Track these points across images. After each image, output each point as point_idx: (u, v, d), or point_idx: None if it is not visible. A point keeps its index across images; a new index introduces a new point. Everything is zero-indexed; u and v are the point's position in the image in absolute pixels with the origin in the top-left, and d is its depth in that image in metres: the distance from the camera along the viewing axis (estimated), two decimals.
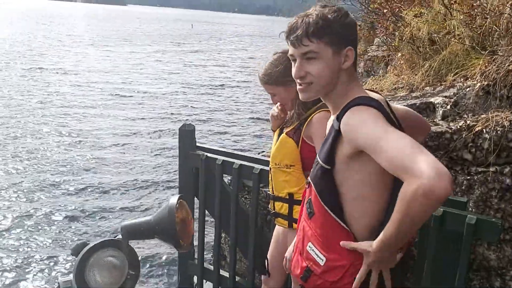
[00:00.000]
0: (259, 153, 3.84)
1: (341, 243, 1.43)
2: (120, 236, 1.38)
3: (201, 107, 14.76)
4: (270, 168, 2.40)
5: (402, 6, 4.02)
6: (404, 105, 3.22)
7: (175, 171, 8.49)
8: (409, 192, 1.14)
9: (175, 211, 1.33)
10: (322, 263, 1.48)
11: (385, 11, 4.19)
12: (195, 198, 3.52)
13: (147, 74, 20.76)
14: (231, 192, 3.18)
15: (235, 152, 3.33)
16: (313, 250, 1.51)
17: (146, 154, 9.56)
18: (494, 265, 2.65)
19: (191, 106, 14.85)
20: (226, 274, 3.30)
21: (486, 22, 3.12)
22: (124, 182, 7.82)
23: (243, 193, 3.54)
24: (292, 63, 1.53)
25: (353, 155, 1.37)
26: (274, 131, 2.47)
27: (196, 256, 3.46)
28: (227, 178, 3.43)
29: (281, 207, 2.34)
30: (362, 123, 1.32)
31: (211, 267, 3.40)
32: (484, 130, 2.63)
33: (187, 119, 12.79)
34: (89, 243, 1.40)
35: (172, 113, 13.48)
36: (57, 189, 7.31)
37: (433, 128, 2.86)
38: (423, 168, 1.11)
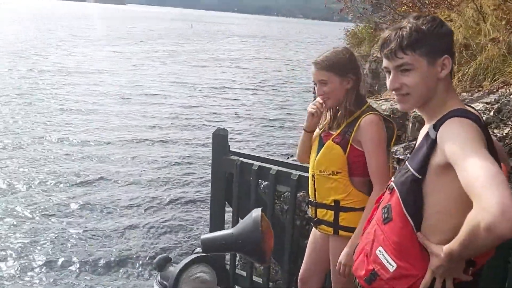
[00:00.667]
0: (287, 158, 3.79)
1: (418, 234, 1.41)
2: (199, 250, 1.35)
3: (211, 111, 14.61)
4: (314, 175, 2.33)
5: (432, 9, 3.98)
6: None
7: (200, 178, 8.39)
8: (474, 221, 1.13)
9: (260, 225, 1.29)
10: (391, 270, 1.46)
11: (414, 15, 4.16)
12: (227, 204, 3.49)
13: (154, 75, 20.59)
14: (266, 198, 3.14)
15: (270, 157, 3.29)
16: (383, 254, 1.49)
17: (171, 163, 9.25)
18: None
19: (201, 110, 14.69)
20: (260, 280, 3.26)
21: None
22: (155, 196, 7.52)
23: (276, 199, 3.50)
24: (386, 75, 1.50)
25: (445, 167, 1.33)
26: (307, 131, 2.40)
27: (228, 262, 3.42)
28: (260, 185, 3.40)
29: (325, 214, 2.29)
30: (456, 135, 1.29)
31: (243, 273, 3.36)
32: None
33: (196, 123, 12.70)
34: (171, 258, 1.36)
35: (179, 117, 13.27)
36: (89, 208, 6.90)
37: None
38: (491, 202, 1.08)
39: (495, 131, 2.80)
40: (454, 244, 1.27)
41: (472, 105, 3.13)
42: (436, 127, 1.38)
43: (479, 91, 3.27)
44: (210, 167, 3.46)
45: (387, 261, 1.47)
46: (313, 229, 2.50)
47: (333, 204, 2.25)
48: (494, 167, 1.17)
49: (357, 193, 2.21)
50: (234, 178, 3.22)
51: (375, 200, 1.83)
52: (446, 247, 1.32)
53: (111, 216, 6.62)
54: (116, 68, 21.44)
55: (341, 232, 2.24)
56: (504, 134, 2.73)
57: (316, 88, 2.31)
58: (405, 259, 1.44)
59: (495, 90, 3.13)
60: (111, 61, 23.78)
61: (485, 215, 1.08)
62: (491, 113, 2.91)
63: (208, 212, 3.60)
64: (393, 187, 1.50)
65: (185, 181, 8.26)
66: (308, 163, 2.47)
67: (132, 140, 10.46)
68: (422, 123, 3.30)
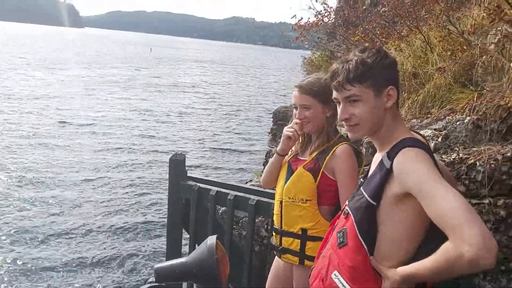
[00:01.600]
0: (245, 183, 3.80)
1: (371, 258, 1.45)
2: (152, 279, 1.32)
3: (168, 137, 14.43)
4: (281, 201, 2.29)
5: (384, 39, 4.16)
6: None
7: (156, 204, 8.18)
8: (455, 253, 1.18)
9: (215, 253, 1.28)
10: None
11: (366, 44, 4.33)
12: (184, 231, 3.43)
13: (110, 100, 20.09)
14: (224, 224, 3.12)
15: (228, 182, 3.28)
16: (338, 279, 1.51)
17: (126, 189, 8.97)
18: None
19: (158, 135, 14.48)
20: None
21: (469, 58, 3.27)
22: (108, 223, 7.21)
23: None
24: (336, 105, 1.55)
25: (401, 196, 1.38)
26: (280, 154, 2.36)
27: None
28: (218, 210, 3.37)
29: (292, 243, 2.25)
30: (415, 167, 1.34)
31: None
32: (477, 163, 2.72)
33: (152, 149, 12.48)
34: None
35: (134, 143, 12.99)
36: (36, 236, 6.52)
37: None
38: (475, 236, 1.14)
39: (443, 156, 2.93)
40: (416, 270, 1.32)
41: (421, 132, 3.27)
42: (390, 156, 1.42)
43: (427, 117, 3.41)
44: (167, 192, 3.41)
45: (343, 285, 1.49)
46: (276, 257, 2.46)
47: (300, 232, 2.22)
48: (464, 199, 1.24)
49: (324, 222, 2.17)
50: (191, 204, 3.19)
51: None
52: (402, 271, 1.36)
53: (60, 244, 6.34)
54: (70, 93, 20.72)
55: (306, 262, 2.20)
56: (452, 160, 2.85)
57: (295, 112, 2.29)
58: (359, 283, 1.47)
59: (442, 117, 3.27)
60: (64, 85, 22.94)
61: (470, 249, 1.13)
62: (439, 139, 3.04)
63: (165, 239, 3.52)
64: (348, 212, 1.53)
65: (140, 207, 8.05)
66: (274, 189, 2.44)
67: (87, 166, 10.14)
68: (375, 148, 3.40)
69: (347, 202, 1.62)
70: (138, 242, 6.62)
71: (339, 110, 1.55)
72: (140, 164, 10.79)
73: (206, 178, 3.34)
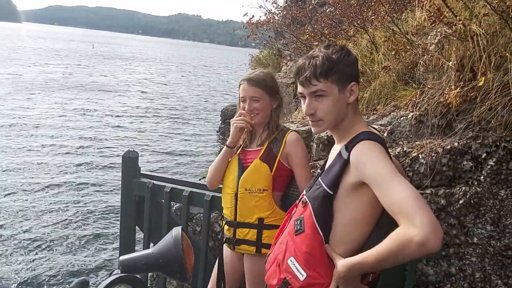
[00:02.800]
0: (199, 179, 3.81)
1: (326, 246, 1.54)
2: (118, 271, 1.32)
3: (118, 136, 14.03)
4: (236, 194, 2.35)
5: (332, 38, 4.30)
6: None
7: (109, 202, 7.97)
8: (405, 237, 1.26)
9: (181, 243, 1.31)
10: (302, 278, 1.55)
11: (315, 43, 4.47)
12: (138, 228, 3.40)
13: (43, 100, 18.98)
14: (179, 221, 3.12)
15: (183, 179, 3.28)
16: (294, 264, 1.58)
17: (76, 190, 8.66)
18: (432, 279, 2.89)
19: (107, 134, 14.05)
20: None
21: (411, 57, 3.46)
22: (63, 220, 7.01)
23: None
24: (301, 100, 1.61)
25: (357, 185, 1.48)
26: (230, 147, 2.41)
27: None
28: (172, 207, 3.36)
29: (248, 233, 2.33)
30: (372, 159, 1.43)
31: None
32: (420, 155, 2.89)
33: (103, 148, 12.12)
34: (88, 281, 1.32)
35: (81, 145, 12.54)
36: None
37: None
38: (424, 221, 1.24)
39: (389, 150, 3.09)
40: (364, 258, 1.40)
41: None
42: (348, 148, 1.50)
43: (374, 114, 3.58)
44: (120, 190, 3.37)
45: (298, 271, 1.56)
46: (225, 250, 2.52)
47: (257, 222, 2.30)
48: (415, 189, 1.34)
49: (279, 210, 2.28)
50: (145, 201, 3.16)
51: None
52: (350, 260, 1.44)
53: (15, 244, 6.08)
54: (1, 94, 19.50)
55: (263, 250, 2.28)
56: (397, 153, 3.01)
57: (244, 104, 2.36)
58: (313, 269, 1.55)
59: (387, 113, 3.44)
60: None
61: (420, 233, 1.22)
62: (385, 134, 3.20)
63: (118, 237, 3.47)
64: (306, 201, 1.60)
65: (93, 207, 7.85)
66: (218, 186, 2.51)
67: (30, 169, 9.69)
68: (326, 144, 3.52)
69: (304, 192, 1.69)
70: (92, 242, 6.47)
71: (304, 105, 1.62)
72: (90, 165, 10.47)
73: (160, 175, 3.31)
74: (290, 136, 2.28)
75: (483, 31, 2.63)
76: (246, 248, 2.36)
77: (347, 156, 1.49)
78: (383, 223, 1.49)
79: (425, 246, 1.23)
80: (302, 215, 1.60)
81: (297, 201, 1.74)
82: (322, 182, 1.56)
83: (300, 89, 1.62)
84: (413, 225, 1.24)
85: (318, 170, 1.76)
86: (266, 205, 2.29)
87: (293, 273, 1.57)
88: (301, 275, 1.55)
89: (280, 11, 6.40)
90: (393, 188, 1.33)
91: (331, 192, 1.51)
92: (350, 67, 1.57)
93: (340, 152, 1.54)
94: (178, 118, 18.51)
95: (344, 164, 1.49)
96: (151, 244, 3.26)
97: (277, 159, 2.27)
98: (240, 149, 2.44)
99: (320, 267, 1.54)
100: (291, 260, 1.59)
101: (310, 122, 1.64)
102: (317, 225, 1.53)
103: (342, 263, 1.46)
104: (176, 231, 1.34)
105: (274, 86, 2.36)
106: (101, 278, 5.43)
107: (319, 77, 1.53)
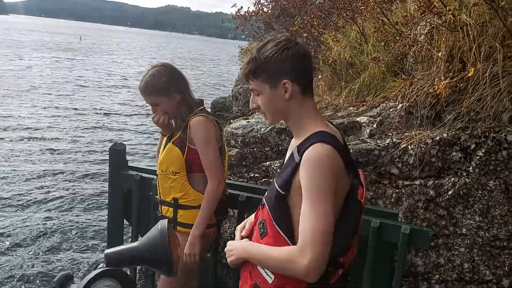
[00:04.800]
0: None
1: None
2: (103, 265, 1.29)
3: (104, 129, 13.90)
4: (157, 174, 2.55)
5: (321, 30, 4.28)
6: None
7: (97, 195, 7.91)
8: (293, 260, 1.38)
9: (167, 236, 1.28)
10: (270, 281, 1.54)
11: (304, 35, 4.44)
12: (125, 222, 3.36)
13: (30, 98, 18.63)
14: None
15: None
16: (263, 269, 1.57)
17: (63, 183, 8.40)
18: (421, 270, 2.90)
19: (94, 129, 13.91)
20: None
21: (401, 48, 3.44)
22: (49, 214, 6.85)
23: None
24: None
25: None
26: (164, 134, 2.57)
27: None
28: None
29: (167, 211, 2.50)
30: (311, 172, 1.43)
31: None
32: (409, 147, 2.89)
33: (89, 141, 12.01)
34: (72, 275, 1.29)
35: (71, 139, 12.39)
36: None
37: (362, 146, 3.08)
38: (313, 258, 1.35)
39: (378, 141, 3.08)
40: (253, 249, 1.54)
41: (357, 119, 3.40)
42: (299, 150, 1.49)
43: (363, 105, 3.57)
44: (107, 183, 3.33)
45: (267, 274, 1.55)
46: None
47: (172, 201, 2.47)
48: (326, 224, 1.38)
49: (194, 192, 2.42)
50: (133, 194, 3.12)
51: (211, 191, 2.33)
52: (247, 245, 1.61)
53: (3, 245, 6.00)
54: None
55: (179, 228, 2.44)
56: (386, 144, 3.01)
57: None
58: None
59: (377, 105, 3.44)
60: None
61: (304, 265, 1.35)
62: (375, 125, 3.19)
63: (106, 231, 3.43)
64: (264, 203, 1.61)
65: (79, 200, 7.72)
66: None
67: (19, 164, 9.57)
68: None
69: (266, 194, 1.68)
70: (80, 235, 6.40)
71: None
72: (77, 158, 10.32)
73: (148, 168, 3.27)
74: (193, 121, 2.36)
75: (473, 21, 2.62)
76: None
77: (298, 160, 1.48)
78: (348, 213, 1.51)
79: (304, 276, 1.37)
80: (264, 218, 1.60)
81: (260, 205, 1.72)
82: (275, 183, 1.56)
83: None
84: (305, 256, 1.35)
85: (278, 170, 1.77)
86: (179, 187, 2.43)
87: (262, 277, 1.57)
88: (270, 277, 1.55)
89: (269, 2, 6.34)
90: (310, 213, 1.39)
91: (283, 193, 1.51)
92: (281, 64, 1.53)
93: (292, 153, 1.54)
94: None
95: (295, 167, 1.49)
96: (139, 237, 3.23)
97: (186, 145, 2.38)
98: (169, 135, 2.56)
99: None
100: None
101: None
102: (275, 225, 1.53)
103: (243, 243, 1.60)
104: (162, 224, 1.32)
105: (166, 85, 2.40)
106: (87, 272, 5.39)
107: (249, 77, 1.59)
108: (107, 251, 1.30)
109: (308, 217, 1.39)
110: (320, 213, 1.39)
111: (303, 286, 1.47)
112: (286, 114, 1.59)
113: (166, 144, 2.50)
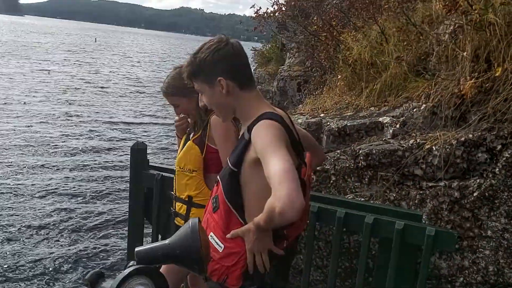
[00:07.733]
0: None
1: (227, 236, 1.63)
2: (133, 262, 1.29)
3: (126, 129, 14.02)
4: (175, 171, 2.58)
5: (340, 30, 4.24)
6: (353, 124, 3.40)
7: (118, 194, 8.02)
8: (272, 206, 1.39)
9: (198, 234, 1.27)
10: (220, 250, 1.69)
11: (324, 34, 4.41)
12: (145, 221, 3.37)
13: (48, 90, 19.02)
14: None
15: None
16: (213, 239, 1.71)
17: (84, 181, 8.61)
18: (445, 273, 2.85)
19: (117, 128, 14.06)
20: None
21: (423, 48, 3.40)
22: (73, 212, 7.02)
23: None
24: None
25: (257, 161, 1.56)
26: (180, 137, 2.63)
27: None
28: None
29: (181, 208, 2.54)
30: (262, 135, 1.55)
31: None
32: (433, 147, 2.85)
33: (113, 140, 12.12)
34: (103, 273, 1.28)
35: (92, 136, 12.59)
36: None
37: (385, 146, 3.05)
38: (282, 194, 1.36)
39: (401, 142, 3.05)
40: (259, 219, 1.51)
41: (380, 119, 3.36)
42: (249, 129, 1.63)
43: (385, 105, 3.53)
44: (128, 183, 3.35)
45: (217, 244, 1.70)
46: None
47: (187, 199, 2.51)
48: (288, 164, 1.42)
49: (208, 192, 2.40)
50: (154, 193, 3.13)
51: None
52: (254, 220, 1.54)
53: (25, 236, 6.11)
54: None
55: None
56: (410, 145, 2.97)
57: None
58: (230, 240, 1.65)
59: (399, 105, 3.40)
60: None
61: (278, 204, 1.35)
62: (398, 126, 3.16)
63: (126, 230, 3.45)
64: (218, 180, 1.76)
65: (102, 198, 7.87)
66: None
67: (44, 160, 9.71)
68: (336, 136, 3.47)
69: (220, 173, 1.81)
70: (100, 234, 6.49)
71: None
72: (100, 155, 10.49)
73: (169, 167, 3.28)
74: (212, 119, 2.39)
75: (500, 21, 2.58)
76: (179, 221, 2.57)
77: (248, 137, 1.62)
78: None
79: (283, 216, 1.35)
80: (217, 194, 1.74)
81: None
82: (228, 162, 1.70)
83: None
84: (275, 197, 1.37)
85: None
86: (195, 185, 2.46)
87: (213, 247, 1.69)
88: (220, 247, 1.68)
89: (286, 2, 6.31)
90: (270, 162, 1.45)
91: (236, 169, 1.64)
92: (214, 65, 1.68)
93: (243, 134, 1.68)
94: None
95: (246, 144, 1.63)
96: (159, 237, 3.24)
97: (206, 143, 2.42)
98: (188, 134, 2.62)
99: (236, 238, 1.63)
100: (211, 236, 1.72)
101: None
102: (227, 200, 1.66)
103: (250, 224, 1.57)
104: (193, 221, 1.30)
105: (184, 85, 2.40)
106: (109, 266, 5.44)
107: (189, 79, 1.76)
108: (138, 248, 1.29)
109: (271, 166, 1.44)
110: (278, 157, 1.45)
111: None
112: (231, 108, 1.74)
113: (185, 141, 2.54)
